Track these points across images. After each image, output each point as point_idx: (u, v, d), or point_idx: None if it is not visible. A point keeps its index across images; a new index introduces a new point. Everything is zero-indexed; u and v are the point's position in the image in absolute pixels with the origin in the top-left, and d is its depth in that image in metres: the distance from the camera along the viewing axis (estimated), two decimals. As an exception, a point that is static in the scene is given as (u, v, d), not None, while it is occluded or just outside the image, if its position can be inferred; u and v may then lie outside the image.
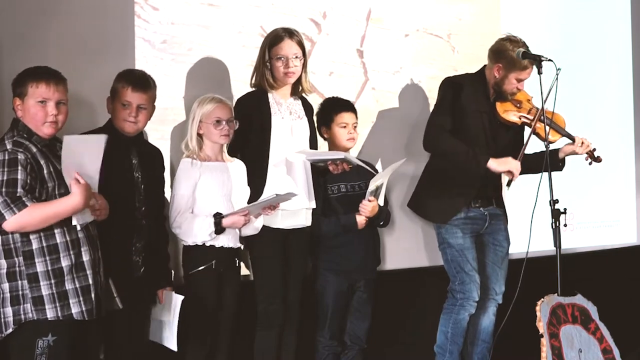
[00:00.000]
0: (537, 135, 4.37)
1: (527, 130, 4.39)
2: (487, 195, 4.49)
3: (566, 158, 4.53)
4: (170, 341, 3.66)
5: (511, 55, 4.26)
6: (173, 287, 3.74)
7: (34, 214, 3.06)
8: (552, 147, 4.29)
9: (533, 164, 4.34)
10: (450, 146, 4.31)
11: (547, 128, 4.17)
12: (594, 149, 4.49)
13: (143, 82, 3.57)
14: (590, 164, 4.54)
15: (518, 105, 4.41)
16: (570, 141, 4.45)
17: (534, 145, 4.43)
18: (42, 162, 3.13)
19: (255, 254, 3.98)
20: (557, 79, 4.15)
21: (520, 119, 4.39)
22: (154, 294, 3.72)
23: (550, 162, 4.19)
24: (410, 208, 4.65)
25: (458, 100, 4.35)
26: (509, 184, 4.35)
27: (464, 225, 4.43)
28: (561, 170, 4.52)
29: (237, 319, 3.88)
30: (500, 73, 4.34)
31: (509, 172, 4.29)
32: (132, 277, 3.57)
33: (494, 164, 4.28)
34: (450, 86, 4.41)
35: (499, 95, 4.40)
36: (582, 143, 4.42)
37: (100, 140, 3.19)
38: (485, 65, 4.46)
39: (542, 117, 4.19)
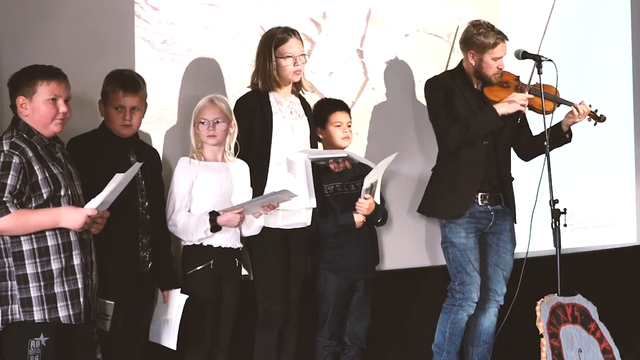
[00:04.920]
0: (533, 108, 4.38)
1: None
2: (494, 191, 4.45)
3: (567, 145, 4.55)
4: (170, 340, 3.65)
5: (478, 38, 4.34)
6: (178, 288, 3.73)
7: (15, 221, 3.05)
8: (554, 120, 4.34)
9: (541, 144, 4.31)
10: (464, 132, 4.29)
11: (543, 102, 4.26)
12: (596, 110, 4.46)
13: (133, 84, 3.56)
14: (595, 124, 4.50)
15: (505, 85, 4.42)
16: (570, 109, 4.43)
17: (533, 128, 4.47)
18: (36, 167, 3.11)
19: (255, 254, 3.98)
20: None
21: None
22: (157, 293, 3.72)
23: (555, 136, 4.30)
24: (422, 213, 4.63)
25: (450, 103, 4.37)
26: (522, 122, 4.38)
27: (468, 225, 4.40)
28: (569, 141, 4.51)
29: (237, 319, 3.88)
30: (475, 59, 4.38)
31: (521, 106, 4.27)
32: (139, 273, 3.58)
33: (503, 108, 4.28)
34: (438, 89, 4.42)
35: (484, 81, 4.41)
36: (582, 110, 4.39)
37: (136, 167, 3.27)
38: (461, 60, 4.50)
39: (532, 90, 4.29)
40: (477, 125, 4.30)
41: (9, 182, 3.05)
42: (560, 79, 4.39)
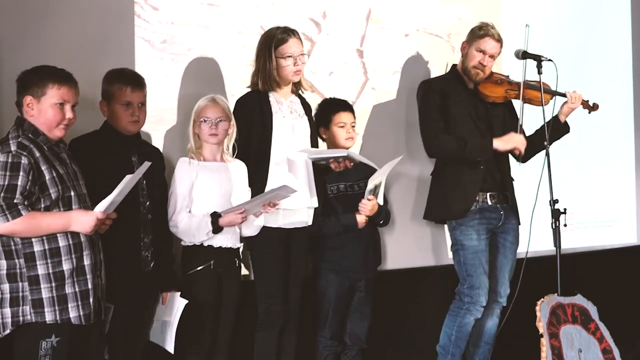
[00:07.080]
0: (529, 101, 4.42)
1: (518, 108, 4.43)
2: (500, 190, 4.45)
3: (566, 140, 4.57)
4: (168, 343, 3.66)
5: (473, 31, 4.43)
6: (178, 289, 3.73)
7: (27, 224, 3.05)
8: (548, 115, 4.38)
9: (541, 140, 4.34)
10: (453, 146, 4.33)
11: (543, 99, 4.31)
12: (587, 100, 4.51)
13: (139, 80, 3.61)
14: (589, 112, 4.57)
15: (499, 82, 4.48)
16: (565, 99, 4.48)
17: (531, 123, 4.46)
18: (43, 167, 3.11)
19: (255, 254, 3.98)
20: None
21: (506, 92, 4.45)
22: (158, 294, 3.73)
23: (555, 129, 4.35)
24: (428, 219, 4.64)
25: (444, 106, 4.38)
26: (518, 159, 4.44)
27: (479, 226, 4.38)
28: (569, 131, 4.56)
29: (237, 319, 3.88)
30: (465, 50, 4.45)
31: (516, 148, 4.36)
32: (142, 272, 3.58)
33: (499, 144, 4.34)
34: (432, 92, 4.44)
35: (468, 75, 4.44)
36: (574, 97, 4.45)
37: (145, 167, 3.25)
38: (454, 64, 4.57)
39: (527, 84, 4.36)
40: (471, 148, 4.32)
41: (19, 182, 3.04)
42: (560, 79, 4.40)
